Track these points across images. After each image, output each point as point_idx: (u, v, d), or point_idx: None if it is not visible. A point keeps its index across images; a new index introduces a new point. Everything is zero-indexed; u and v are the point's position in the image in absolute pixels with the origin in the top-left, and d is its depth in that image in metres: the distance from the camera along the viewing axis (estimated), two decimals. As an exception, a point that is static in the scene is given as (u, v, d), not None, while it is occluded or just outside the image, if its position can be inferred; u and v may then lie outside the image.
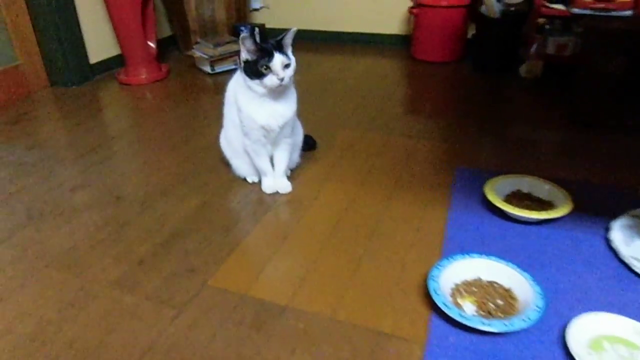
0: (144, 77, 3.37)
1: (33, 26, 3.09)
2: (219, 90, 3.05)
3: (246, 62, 1.56)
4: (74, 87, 3.27)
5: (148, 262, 1.55)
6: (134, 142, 2.47)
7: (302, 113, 1.84)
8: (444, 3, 3.35)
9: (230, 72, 2.30)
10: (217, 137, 2.04)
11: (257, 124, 1.77)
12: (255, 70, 1.53)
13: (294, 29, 1.64)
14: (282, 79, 1.55)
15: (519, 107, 2.81)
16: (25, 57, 3.10)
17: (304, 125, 2.00)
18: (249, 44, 1.53)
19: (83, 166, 2.28)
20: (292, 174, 2.03)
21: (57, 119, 2.81)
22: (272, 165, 1.88)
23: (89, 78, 3.41)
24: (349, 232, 1.66)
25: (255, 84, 1.59)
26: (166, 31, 4.13)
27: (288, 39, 1.56)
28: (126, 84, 3.32)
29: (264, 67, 1.53)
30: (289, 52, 1.57)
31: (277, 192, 1.89)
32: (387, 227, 1.68)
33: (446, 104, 2.90)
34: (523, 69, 3.16)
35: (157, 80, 3.41)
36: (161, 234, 1.70)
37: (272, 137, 1.75)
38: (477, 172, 2.02)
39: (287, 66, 1.55)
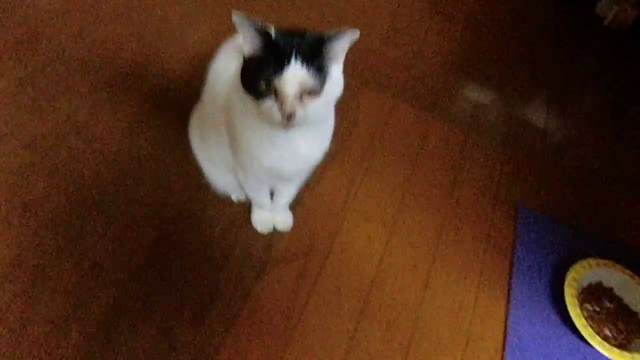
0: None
1: None
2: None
3: (246, 60, 0.86)
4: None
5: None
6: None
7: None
8: None
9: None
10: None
11: (262, 165, 1.01)
12: (251, 82, 0.84)
13: (354, 31, 0.84)
14: (289, 116, 0.81)
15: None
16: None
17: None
18: (251, 34, 0.82)
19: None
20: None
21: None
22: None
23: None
24: (379, 329, 1.21)
25: (250, 103, 0.88)
26: None
27: (336, 44, 0.83)
28: None
29: (264, 83, 0.81)
30: (331, 68, 0.85)
31: (274, 230, 1.32)
32: (431, 321, 1.26)
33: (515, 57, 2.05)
34: (604, 9, 2.27)
35: None
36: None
37: (282, 180, 1.15)
38: (545, 221, 1.53)
39: (311, 93, 0.82)
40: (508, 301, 1.31)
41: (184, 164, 1.34)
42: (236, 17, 0.79)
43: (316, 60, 0.81)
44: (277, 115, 0.82)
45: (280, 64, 0.79)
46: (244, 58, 0.85)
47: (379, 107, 1.69)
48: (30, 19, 1.67)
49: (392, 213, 1.42)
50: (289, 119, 0.82)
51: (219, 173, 1.24)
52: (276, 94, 0.81)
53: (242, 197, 1.33)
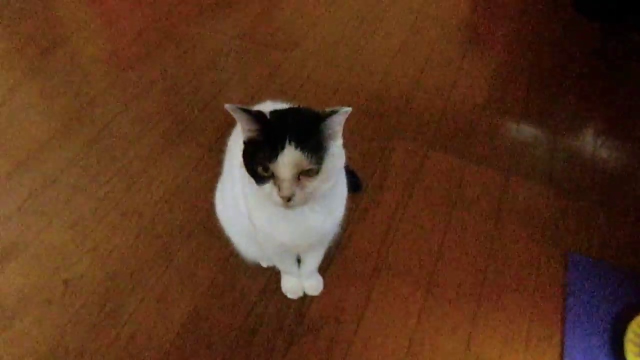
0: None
1: None
2: None
3: (245, 144, 0.88)
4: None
5: None
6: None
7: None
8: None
9: None
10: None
11: (276, 240, 1.02)
12: (250, 166, 0.85)
13: (347, 108, 0.83)
14: (288, 198, 0.81)
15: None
16: None
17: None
18: (244, 120, 0.83)
19: None
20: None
21: None
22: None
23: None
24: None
25: (253, 186, 0.88)
26: None
27: (331, 123, 0.82)
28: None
29: (262, 167, 0.83)
30: (329, 144, 0.84)
31: (305, 295, 1.31)
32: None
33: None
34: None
35: None
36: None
37: (300, 251, 1.18)
38: (600, 268, 1.40)
39: (308, 173, 0.81)
40: (561, 361, 1.20)
41: (214, 233, 1.36)
42: (229, 107, 0.80)
43: (312, 140, 0.80)
44: (276, 198, 0.81)
45: (275, 148, 0.79)
46: (244, 142, 0.85)
47: (410, 158, 1.65)
48: (74, 104, 1.79)
49: (428, 269, 1.37)
50: (288, 201, 0.80)
51: (246, 243, 1.24)
52: (274, 177, 0.80)
53: (271, 263, 1.33)
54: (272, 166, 0.80)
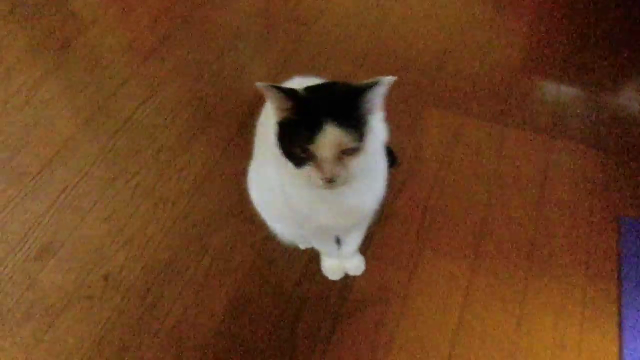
0: None
1: None
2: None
3: (280, 125, 0.82)
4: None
5: None
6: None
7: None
8: None
9: None
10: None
11: (316, 222, 0.97)
12: (287, 148, 0.79)
13: (390, 77, 0.77)
14: (330, 180, 0.75)
15: None
16: None
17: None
18: (277, 99, 0.77)
19: None
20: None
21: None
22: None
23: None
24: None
25: (290, 168, 0.82)
26: None
27: (372, 95, 0.75)
28: None
29: (300, 149, 0.77)
30: (370, 119, 0.77)
31: (346, 275, 1.27)
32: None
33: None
34: None
35: None
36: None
37: (340, 232, 1.13)
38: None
39: (350, 152, 0.76)
40: (620, 331, 1.14)
41: (249, 217, 1.33)
42: (260, 85, 0.75)
43: (352, 116, 0.75)
44: (317, 180, 0.76)
45: (313, 128, 0.73)
46: (277, 123, 0.80)
47: (445, 126, 1.58)
48: (97, 96, 1.76)
49: (473, 242, 1.31)
50: (331, 182, 0.75)
51: (282, 225, 1.20)
52: (313, 158, 0.75)
53: (309, 245, 1.29)
54: (311, 147, 0.74)
